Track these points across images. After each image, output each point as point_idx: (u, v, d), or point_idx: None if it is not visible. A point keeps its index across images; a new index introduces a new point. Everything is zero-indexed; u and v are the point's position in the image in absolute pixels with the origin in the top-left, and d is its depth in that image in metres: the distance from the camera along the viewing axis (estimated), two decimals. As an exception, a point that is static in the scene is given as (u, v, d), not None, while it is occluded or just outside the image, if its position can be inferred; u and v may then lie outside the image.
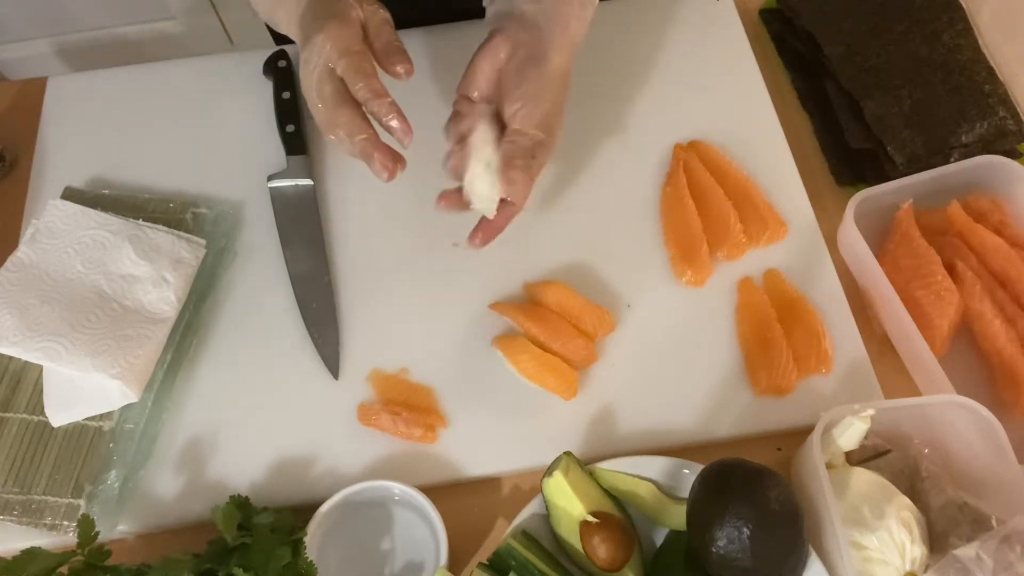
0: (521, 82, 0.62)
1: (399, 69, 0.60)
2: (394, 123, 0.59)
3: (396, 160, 0.59)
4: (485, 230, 0.67)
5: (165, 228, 0.74)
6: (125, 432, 0.67)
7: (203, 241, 0.74)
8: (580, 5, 0.65)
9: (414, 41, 0.87)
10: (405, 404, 0.69)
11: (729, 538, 0.55)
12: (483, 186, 0.63)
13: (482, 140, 0.62)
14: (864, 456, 0.65)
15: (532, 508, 0.63)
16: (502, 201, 0.64)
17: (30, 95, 0.87)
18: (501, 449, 0.68)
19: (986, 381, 0.71)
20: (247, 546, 0.58)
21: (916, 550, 0.58)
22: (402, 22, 0.87)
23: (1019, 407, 0.67)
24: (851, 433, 0.60)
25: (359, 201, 0.80)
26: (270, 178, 0.79)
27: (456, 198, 0.64)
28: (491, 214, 0.64)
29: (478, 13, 0.69)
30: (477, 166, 0.62)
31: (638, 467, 0.64)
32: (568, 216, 0.78)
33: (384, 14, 0.63)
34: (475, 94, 0.64)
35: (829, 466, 0.62)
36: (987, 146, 0.78)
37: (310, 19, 0.62)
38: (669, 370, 0.71)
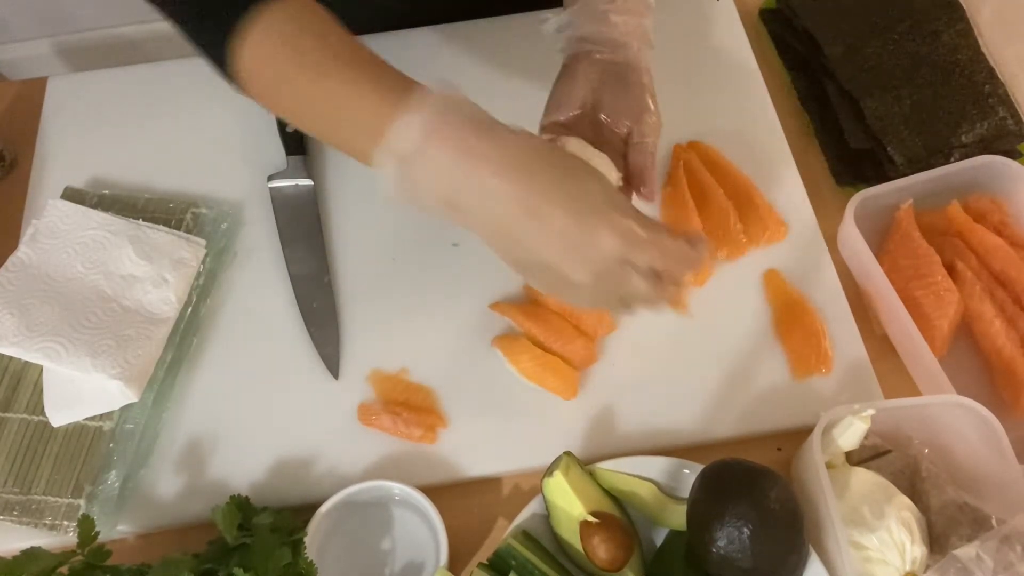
0: (631, 98, 0.64)
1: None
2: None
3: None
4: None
5: (165, 228, 0.74)
6: (125, 432, 0.67)
7: (203, 241, 0.74)
8: (649, 14, 0.66)
9: (427, 39, 0.87)
10: (405, 404, 0.69)
11: (729, 538, 0.55)
12: (602, 165, 0.61)
13: (569, 142, 0.62)
14: (864, 456, 0.65)
15: (532, 508, 0.63)
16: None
17: (30, 95, 0.87)
18: (501, 449, 0.68)
19: (986, 381, 0.71)
20: (247, 546, 0.58)
21: (916, 550, 0.58)
22: (413, 20, 0.87)
23: (1019, 407, 0.67)
24: (851, 433, 0.60)
25: (359, 201, 0.80)
26: (270, 178, 0.79)
27: None
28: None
29: (491, 11, 0.69)
30: (583, 154, 0.60)
31: (638, 467, 0.64)
32: (568, 216, 0.78)
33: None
34: (566, 116, 0.64)
35: (829, 466, 0.62)
36: (987, 146, 0.78)
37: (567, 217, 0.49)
38: (669, 370, 0.71)
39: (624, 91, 0.64)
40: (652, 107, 0.64)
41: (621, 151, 0.65)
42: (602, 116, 0.65)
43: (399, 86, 0.51)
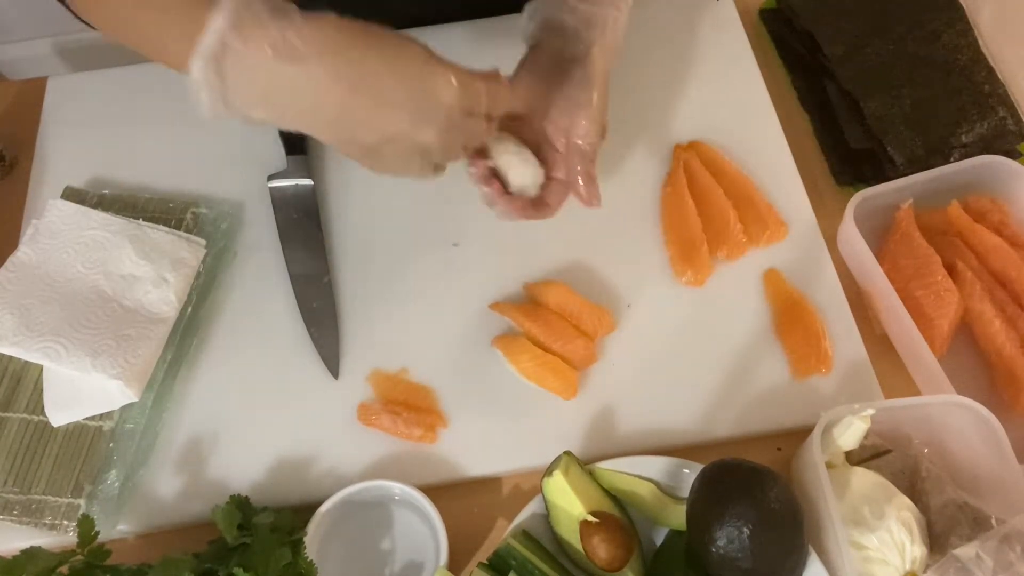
0: (569, 93, 0.61)
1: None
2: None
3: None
4: (515, 203, 0.63)
5: (165, 228, 0.74)
6: (125, 432, 0.67)
7: (203, 241, 0.74)
8: (615, 7, 0.64)
9: (427, 39, 0.87)
10: (405, 404, 0.69)
11: (729, 538, 0.55)
12: (519, 163, 0.61)
13: (496, 138, 0.61)
14: (864, 456, 0.65)
15: (532, 508, 0.63)
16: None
17: (30, 95, 0.87)
18: (501, 449, 0.68)
19: (986, 381, 0.71)
20: (247, 546, 0.58)
21: (916, 550, 0.58)
22: (416, 20, 0.87)
23: (1019, 407, 0.67)
24: (851, 433, 0.60)
25: (359, 201, 0.80)
26: (270, 178, 0.79)
27: (490, 177, 0.62)
28: (534, 191, 0.63)
29: (492, 11, 0.68)
30: (504, 153, 0.61)
31: (638, 467, 0.64)
32: (568, 216, 0.78)
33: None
34: (519, 108, 0.63)
35: (829, 466, 0.62)
36: (987, 146, 0.78)
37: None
38: (669, 370, 0.71)
39: (566, 86, 0.61)
40: (592, 104, 0.61)
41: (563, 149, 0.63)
42: (551, 112, 0.63)
43: None
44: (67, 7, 0.57)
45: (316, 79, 0.48)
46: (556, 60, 0.62)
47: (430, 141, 0.51)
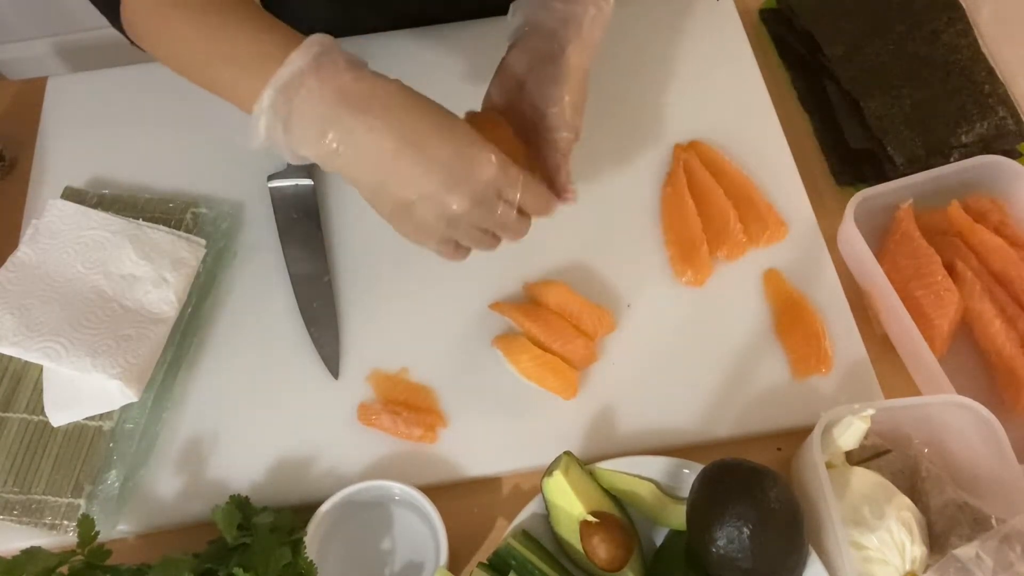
0: (540, 93, 0.62)
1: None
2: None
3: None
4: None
5: (165, 228, 0.74)
6: (125, 432, 0.67)
7: (203, 241, 0.74)
8: (594, 6, 0.64)
9: (420, 41, 0.87)
10: (405, 404, 0.69)
11: (729, 538, 0.55)
12: None
13: None
14: (864, 456, 0.65)
15: (532, 508, 0.63)
16: None
17: (30, 95, 0.87)
18: (501, 449, 0.68)
19: (986, 381, 0.71)
20: (247, 546, 0.58)
21: (916, 550, 0.58)
22: (410, 21, 0.87)
23: (1019, 407, 0.67)
24: (851, 433, 0.60)
25: (359, 201, 0.79)
26: (270, 178, 0.79)
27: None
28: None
29: (486, 12, 0.69)
30: None
31: (638, 467, 0.64)
32: (568, 216, 0.78)
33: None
34: (489, 105, 0.64)
35: (829, 466, 0.62)
36: (987, 146, 0.78)
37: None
38: (669, 370, 0.71)
39: (543, 81, 0.62)
40: (564, 100, 0.61)
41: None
42: (524, 109, 0.63)
43: (279, 28, 0.54)
44: (125, 35, 0.62)
45: (374, 129, 0.52)
46: (534, 58, 0.63)
47: (459, 209, 0.53)
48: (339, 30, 0.65)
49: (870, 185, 0.74)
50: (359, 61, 0.54)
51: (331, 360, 0.71)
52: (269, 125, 0.52)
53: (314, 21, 0.62)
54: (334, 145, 0.52)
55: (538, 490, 0.62)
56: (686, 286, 0.74)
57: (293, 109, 0.51)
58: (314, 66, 0.51)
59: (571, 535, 0.61)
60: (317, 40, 0.52)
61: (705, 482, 0.59)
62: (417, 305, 0.74)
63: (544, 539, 0.62)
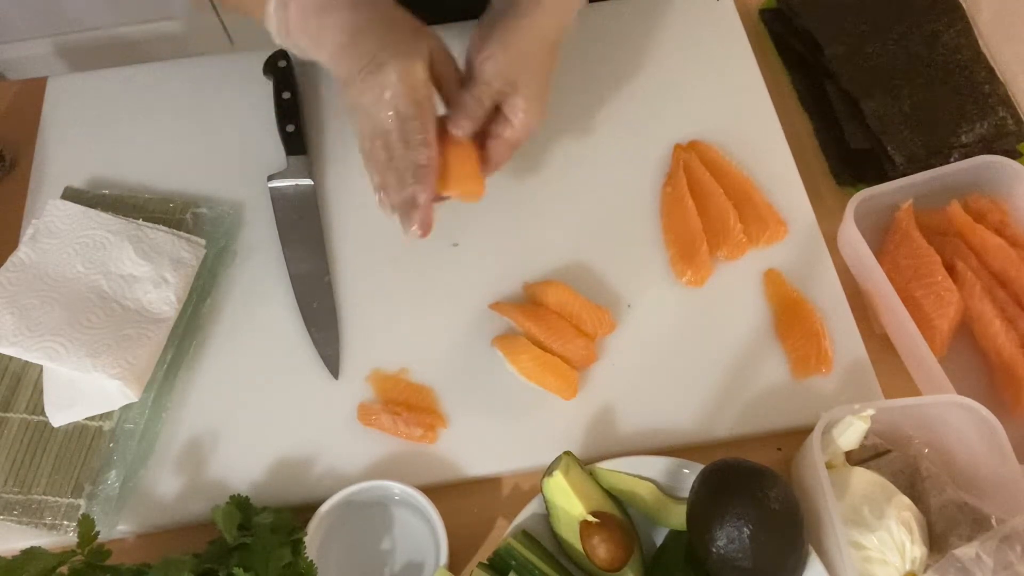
0: (490, 38, 0.63)
1: (456, 130, 0.63)
2: (421, 197, 0.62)
3: (429, 228, 0.63)
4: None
5: (165, 228, 0.74)
6: (125, 432, 0.67)
7: (203, 241, 0.74)
8: None
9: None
10: (405, 404, 0.69)
11: (729, 538, 0.55)
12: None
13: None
14: (864, 456, 0.65)
15: (532, 508, 0.63)
16: None
17: (30, 95, 0.87)
18: (501, 449, 0.68)
19: (986, 381, 0.71)
20: (247, 546, 0.58)
21: (916, 550, 0.58)
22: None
23: (1019, 407, 0.67)
24: (851, 433, 0.60)
25: (359, 201, 0.80)
26: (270, 178, 0.79)
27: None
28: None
29: (477, 14, 0.69)
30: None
31: (638, 467, 0.64)
32: (568, 216, 0.78)
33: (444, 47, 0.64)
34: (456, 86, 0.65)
35: (829, 466, 0.62)
36: (987, 146, 0.78)
37: (373, 48, 0.60)
38: (669, 370, 0.71)
39: (491, 32, 0.63)
40: (515, 47, 0.62)
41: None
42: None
43: None
44: None
45: (343, 19, 0.61)
46: (490, 22, 0.65)
47: (369, 103, 0.60)
48: None
49: (870, 185, 0.74)
50: None
51: (331, 360, 0.71)
52: (276, 27, 0.62)
53: None
54: (317, 35, 0.61)
55: (538, 490, 0.62)
56: (686, 286, 0.74)
57: (288, 14, 0.61)
58: None
59: (571, 535, 0.61)
60: None
61: (705, 482, 0.59)
62: (417, 305, 0.74)
63: (544, 539, 0.62)
